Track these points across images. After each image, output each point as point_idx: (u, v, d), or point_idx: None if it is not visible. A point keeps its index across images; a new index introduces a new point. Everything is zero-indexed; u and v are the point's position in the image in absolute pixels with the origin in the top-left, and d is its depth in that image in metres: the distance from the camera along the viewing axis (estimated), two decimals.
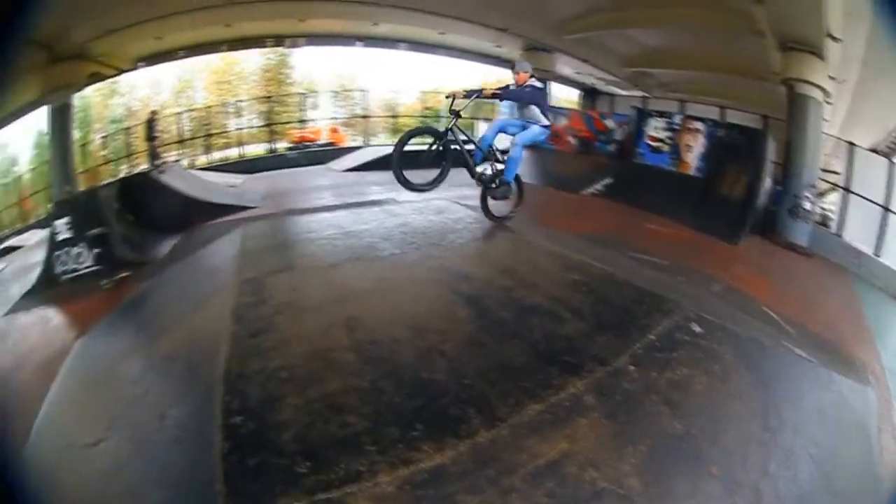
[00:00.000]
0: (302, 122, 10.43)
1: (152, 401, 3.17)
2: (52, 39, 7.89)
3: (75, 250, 6.27)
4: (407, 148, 5.14)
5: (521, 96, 5.55)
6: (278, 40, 9.60)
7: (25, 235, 8.94)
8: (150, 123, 8.96)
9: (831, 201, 7.16)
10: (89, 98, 9.15)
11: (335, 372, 2.87)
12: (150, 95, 9.76)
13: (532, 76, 5.61)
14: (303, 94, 10.47)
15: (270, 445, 2.45)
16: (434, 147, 5.26)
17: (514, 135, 5.57)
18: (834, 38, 6.27)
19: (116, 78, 9.12)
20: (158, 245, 6.54)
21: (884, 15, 2.20)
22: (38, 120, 8.75)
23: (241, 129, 10.17)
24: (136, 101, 9.74)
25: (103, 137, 9.55)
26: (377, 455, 2.35)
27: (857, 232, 6.78)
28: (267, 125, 10.22)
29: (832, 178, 7.13)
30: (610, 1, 7.92)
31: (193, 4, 8.05)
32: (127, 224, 6.63)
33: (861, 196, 6.80)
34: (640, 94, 9.05)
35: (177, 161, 9.34)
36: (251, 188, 8.18)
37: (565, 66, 9.12)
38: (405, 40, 9.23)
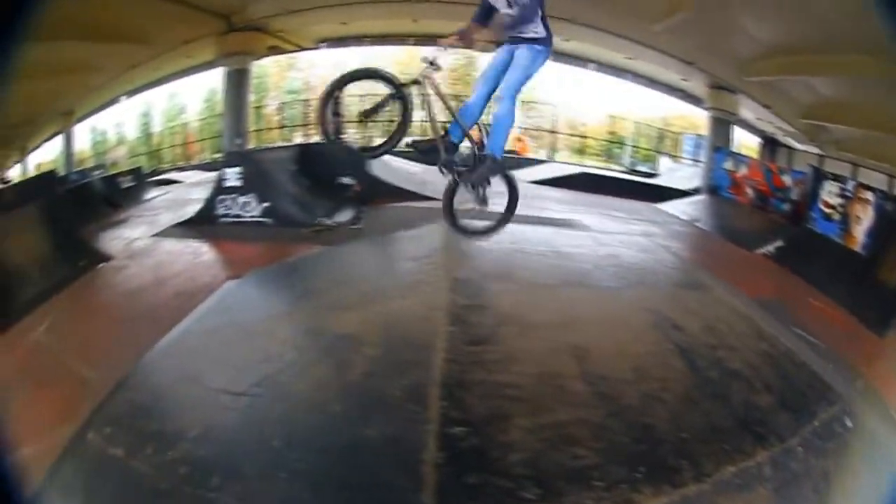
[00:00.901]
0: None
1: (324, 375, 3.08)
2: (229, 10, 8.38)
3: (242, 199, 6.52)
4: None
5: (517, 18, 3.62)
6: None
7: (186, 174, 9.73)
8: (335, 100, 9.02)
9: None
10: (266, 67, 9.63)
11: (565, 401, 2.85)
12: (331, 75, 9.91)
13: None
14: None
15: (495, 465, 2.39)
16: (387, 100, 3.86)
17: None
18: None
19: (296, 53, 9.53)
20: (332, 213, 6.62)
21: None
22: (211, 79, 9.57)
23: (424, 121, 10.04)
24: (315, 78, 10.00)
25: (281, 104, 10.09)
26: (604, 492, 2.38)
27: None
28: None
29: None
30: (790, 42, 7.26)
31: None
32: (302, 187, 6.78)
33: None
34: (815, 150, 8.25)
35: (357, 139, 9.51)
36: (432, 179, 8.07)
37: (747, 110, 8.53)
38: (594, 60, 8.86)
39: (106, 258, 6.38)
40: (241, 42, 8.67)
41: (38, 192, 8.32)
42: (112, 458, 2.85)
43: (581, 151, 9.46)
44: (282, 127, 9.97)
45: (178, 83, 9.95)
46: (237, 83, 8.95)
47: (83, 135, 10.01)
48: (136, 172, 9.55)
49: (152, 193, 9.28)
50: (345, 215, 6.61)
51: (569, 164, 8.94)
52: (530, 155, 9.60)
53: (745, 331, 4.19)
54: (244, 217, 6.57)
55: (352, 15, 8.60)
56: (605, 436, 2.62)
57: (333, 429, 2.66)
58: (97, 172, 9.37)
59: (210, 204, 6.76)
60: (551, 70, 8.46)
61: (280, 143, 9.47)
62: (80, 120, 9.82)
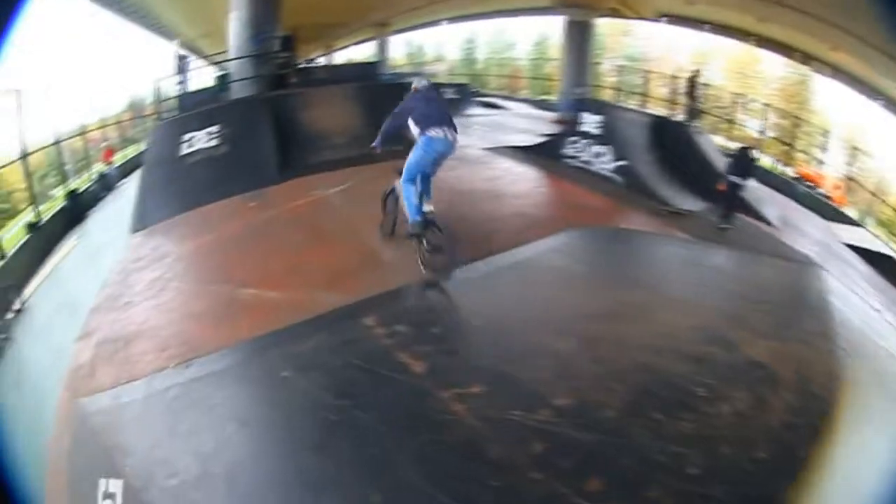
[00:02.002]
0: (816, 159, 8.98)
1: (740, 406, 2.77)
2: None
3: (597, 149, 6.69)
4: None
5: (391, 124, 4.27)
6: (806, 58, 8.71)
7: (509, 103, 10.58)
8: (693, 81, 8.74)
9: None
10: (602, 27, 9.96)
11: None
12: (665, 51, 9.92)
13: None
14: (825, 131, 8.92)
15: None
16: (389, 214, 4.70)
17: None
18: None
19: (634, 21, 9.76)
20: (687, 200, 6.24)
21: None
22: (542, 24, 10.64)
23: (760, 132, 9.22)
24: (651, 51, 10.09)
25: (620, 67, 10.44)
26: None
27: None
28: (783, 143, 9.16)
29: None
30: None
31: None
32: (652, 157, 6.76)
33: None
34: None
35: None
36: (759, 197, 7.07)
37: None
38: None
39: None
40: None
41: (352, 77, 9.62)
42: (401, 366, 2.54)
43: (886, 224, 8.07)
44: (617, 89, 10.19)
45: (504, 21, 11.03)
46: (578, 35, 9.30)
47: (399, 46, 11.70)
48: (459, 87, 10.67)
49: (473, 111, 10.16)
50: (700, 206, 6.14)
51: (875, 235, 7.78)
52: (844, 209, 8.40)
53: None
54: (593, 166, 6.60)
55: None
56: None
57: (756, 477, 2.38)
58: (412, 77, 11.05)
59: (558, 141, 6.99)
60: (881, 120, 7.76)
61: (620, 104, 9.55)
62: (395, 32, 11.30)
